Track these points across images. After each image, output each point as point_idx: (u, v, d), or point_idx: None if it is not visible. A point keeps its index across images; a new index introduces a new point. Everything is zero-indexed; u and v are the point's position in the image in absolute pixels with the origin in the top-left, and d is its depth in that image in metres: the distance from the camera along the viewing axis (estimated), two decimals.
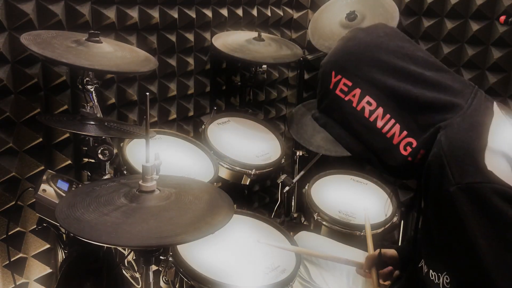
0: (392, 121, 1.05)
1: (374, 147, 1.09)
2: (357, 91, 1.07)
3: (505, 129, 1.00)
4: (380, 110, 1.05)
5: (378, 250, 1.48)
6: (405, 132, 1.04)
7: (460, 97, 1.03)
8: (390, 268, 1.44)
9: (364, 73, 1.06)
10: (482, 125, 0.99)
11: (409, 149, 1.05)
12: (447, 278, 1.00)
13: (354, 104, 1.07)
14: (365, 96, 1.06)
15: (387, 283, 1.44)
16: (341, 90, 1.09)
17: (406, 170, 1.08)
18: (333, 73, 1.10)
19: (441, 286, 1.00)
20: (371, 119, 1.06)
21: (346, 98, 1.08)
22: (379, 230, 1.97)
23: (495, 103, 1.07)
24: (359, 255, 1.63)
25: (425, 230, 1.10)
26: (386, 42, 1.07)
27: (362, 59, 1.07)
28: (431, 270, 1.04)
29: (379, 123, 1.06)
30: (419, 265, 1.09)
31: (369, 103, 1.06)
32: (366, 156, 1.12)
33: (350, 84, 1.07)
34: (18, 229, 1.88)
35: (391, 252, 1.48)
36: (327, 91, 1.12)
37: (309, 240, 1.82)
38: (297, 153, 2.41)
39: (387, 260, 1.45)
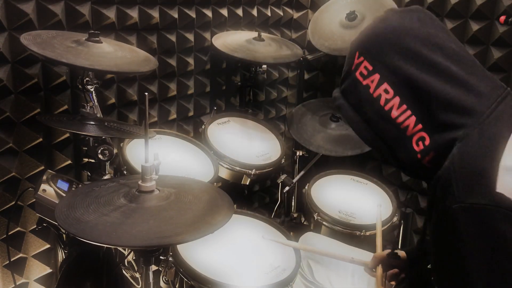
0: (408, 112, 0.99)
1: (386, 136, 1.04)
2: (376, 76, 1.01)
3: None
4: (396, 100, 1.00)
5: (387, 250, 1.45)
6: (419, 126, 0.99)
7: (483, 101, 0.95)
8: (396, 270, 1.43)
9: (386, 58, 1.00)
10: (499, 138, 0.91)
11: (421, 145, 0.99)
12: None
13: (371, 90, 1.02)
14: (383, 83, 1.01)
15: (392, 283, 1.43)
16: (361, 73, 1.04)
17: (414, 168, 1.03)
18: (357, 53, 1.05)
19: None
20: (386, 108, 1.01)
21: (364, 83, 1.04)
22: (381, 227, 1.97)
23: None
24: (365, 256, 1.62)
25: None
26: (417, 28, 1.00)
27: (387, 44, 1.01)
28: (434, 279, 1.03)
29: (394, 113, 1.00)
30: (429, 266, 1.08)
31: (386, 91, 1.01)
32: (376, 144, 1.07)
33: (370, 68, 1.02)
34: (18, 229, 1.88)
35: (401, 253, 1.45)
36: (349, 72, 1.07)
37: (315, 241, 1.82)
38: (297, 153, 2.41)
39: (396, 262, 1.43)
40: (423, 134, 0.99)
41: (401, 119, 1.00)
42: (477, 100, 0.95)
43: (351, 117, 1.09)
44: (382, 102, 1.01)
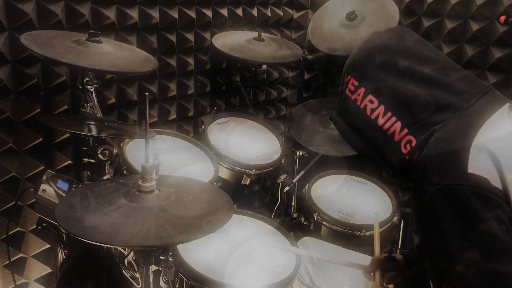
0: (393, 119, 1.07)
1: (376, 144, 1.12)
2: (361, 90, 1.11)
3: (499, 127, 0.99)
4: (381, 108, 1.08)
5: (384, 253, 1.48)
6: (405, 130, 1.06)
7: (462, 98, 1.03)
8: (393, 273, 1.44)
9: (368, 73, 1.10)
10: (473, 125, 0.99)
11: (408, 147, 1.07)
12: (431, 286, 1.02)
13: (358, 103, 1.12)
14: (367, 95, 1.10)
15: (390, 286, 1.44)
16: (349, 90, 1.14)
17: (405, 170, 1.09)
18: (345, 74, 1.16)
19: None
20: (373, 116, 1.09)
21: (352, 97, 1.13)
22: (379, 230, 1.97)
23: (507, 104, 1.05)
24: (363, 260, 1.63)
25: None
26: (396, 43, 1.11)
27: (369, 60, 1.11)
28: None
29: (380, 121, 1.09)
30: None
31: (371, 102, 1.09)
32: (369, 153, 1.16)
33: (356, 83, 1.12)
34: (18, 229, 1.88)
35: (398, 257, 1.48)
36: (342, 91, 1.18)
37: (312, 245, 1.82)
38: (297, 153, 2.41)
39: (393, 264, 1.45)
40: (410, 137, 1.07)
41: (387, 125, 1.08)
42: (456, 97, 1.04)
43: (345, 131, 1.20)
44: (368, 112, 1.10)
